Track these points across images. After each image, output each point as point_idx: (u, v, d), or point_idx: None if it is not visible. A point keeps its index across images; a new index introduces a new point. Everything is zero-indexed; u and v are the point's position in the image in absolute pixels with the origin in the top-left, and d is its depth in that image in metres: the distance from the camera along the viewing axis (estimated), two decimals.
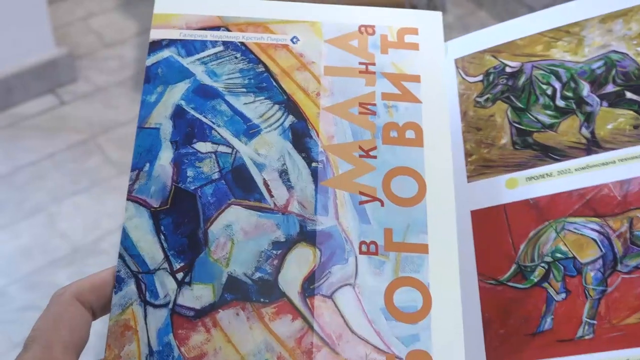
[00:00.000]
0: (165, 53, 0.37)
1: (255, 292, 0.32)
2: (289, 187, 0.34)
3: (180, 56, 0.37)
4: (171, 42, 0.38)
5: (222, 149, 0.35)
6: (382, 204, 0.34)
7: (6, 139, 1.52)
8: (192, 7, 0.38)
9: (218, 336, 0.31)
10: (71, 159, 1.49)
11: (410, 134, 0.36)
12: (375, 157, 0.35)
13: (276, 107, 0.36)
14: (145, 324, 0.31)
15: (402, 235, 0.33)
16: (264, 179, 0.34)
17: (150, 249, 0.33)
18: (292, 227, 0.33)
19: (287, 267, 0.33)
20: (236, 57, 0.37)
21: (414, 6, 1.12)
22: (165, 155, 0.35)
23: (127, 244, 0.33)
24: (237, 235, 0.33)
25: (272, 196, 0.34)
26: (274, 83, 0.37)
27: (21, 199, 1.42)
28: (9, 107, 1.57)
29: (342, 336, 0.31)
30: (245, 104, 0.36)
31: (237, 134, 0.35)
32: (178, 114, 0.36)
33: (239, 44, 0.38)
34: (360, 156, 0.35)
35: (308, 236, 0.33)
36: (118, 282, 0.32)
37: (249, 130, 0.35)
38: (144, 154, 0.35)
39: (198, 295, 0.32)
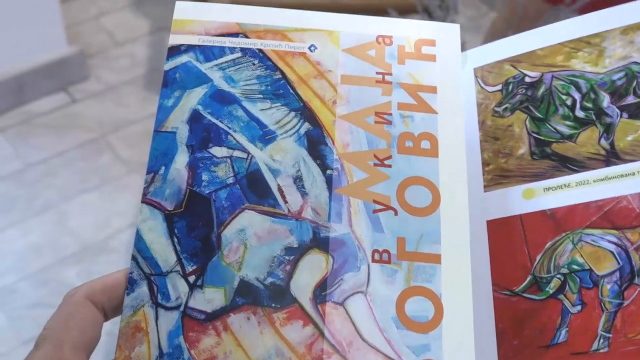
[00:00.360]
0: (184, 58, 0.38)
1: (266, 297, 0.32)
2: (303, 194, 0.34)
3: (199, 62, 0.37)
4: (190, 48, 0.38)
5: (237, 154, 0.35)
6: (396, 213, 0.34)
7: (17, 136, 1.53)
8: (211, 14, 0.39)
9: (228, 340, 0.31)
10: (81, 157, 1.50)
11: (425, 145, 0.36)
12: (390, 166, 0.35)
13: (292, 114, 0.36)
14: (156, 325, 0.32)
15: (415, 245, 0.33)
16: (278, 184, 0.34)
17: (164, 251, 0.33)
18: (305, 233, 0.33)
19: (299, 273, 0.33)
20: (254, 64, 0.37)
21: (425, 7, 1.11)
22: (181, 159, 0.35)
23: (140, 246, 0.33)
24: (250, 240, 0.33)
25: (286, 202, 0.34)
26: (291, 90, 0.37)
27: (32, 196, 1.43)
28: (20, 105, 1.58)
29: (353, 344, 0.31)
30: (262, 110, 0.36)
31: (253, 140, 0.35)
32: (195, 118, 0.36)
33: (257, 51, 0.38)
34: (375, 165, 0.35)
35: (321, 243, 0.33)
36: (130, 284, 0.32)
37: (265, 136, 0.35)
38: (160, 157, 0.35)
39: (209, 298, 0.32)
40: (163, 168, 0.35)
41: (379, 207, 0.34)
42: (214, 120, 0.36)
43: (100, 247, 1.35)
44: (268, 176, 0.35)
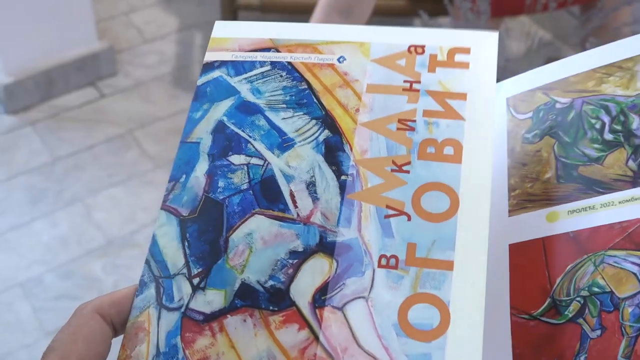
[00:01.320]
0: (216, 73, 0.38)
1: (265, 299, 0.32)
2: (315, 199, 0.34)
3: (229, 76, 0.38)
4: (222, 63, 0.38)
5: (254, 161, 0.35)
6: (409, 219, 0.33)
7: (47, 129, 1.55)
8: (247, 31, 0.39)
9: (222, 341, 0.31)
10: (109, 152, 1.52)
11: (448, 150, 0.34)
12: (408, 172, 0.34)
13: (313, 122, 0.36)
14: (157, 326, 0.32)
15: (426, 251, 0.32)
16: (290, 190, 0.34)
17: (174, 255, 0.33)
18: (311, 237, 0.33)
19: (301, 276, 0.32)
20: (281, 76, 0.38)
21: (457, 8, 1.10)
22: (201, 167, 0.35)
23: (154, 250, 0.34)
24: (256, 243, 0.33)
25: (296, 207, 0.34)
26: (314, 99, 0.37)
27: (60, 189, 1.45)
28: (50, 99, 1.60)
29: (348, 350, 0.30)
30: (284, 118, 0.36)
31: (271, 147, 0.35)
32: (219, 129, 0.36)
33: (286, 64, 0.38)
34: (392, 170, 0.34)
35: (327, 247, 0.32)
36: (140, 286, 0.33)
37: (283, 144, 0.35)
38: (182, 166, 0.35)
39: (210, 300, 0.32)
40: (184, 176, 0.35)
41: (391, 212, 0.33)
42: (236, 130, 0.36)
43: (125, 241, 1.37)
44: (281, 182, 0.34)
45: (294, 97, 0.37)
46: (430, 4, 1.36)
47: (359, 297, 0.31)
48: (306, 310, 0.31)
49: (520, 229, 0.37)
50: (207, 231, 0.33)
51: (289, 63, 0.38)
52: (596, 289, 0.34)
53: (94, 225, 1.39)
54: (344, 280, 0.32)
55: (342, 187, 0.34)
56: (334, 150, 0.35)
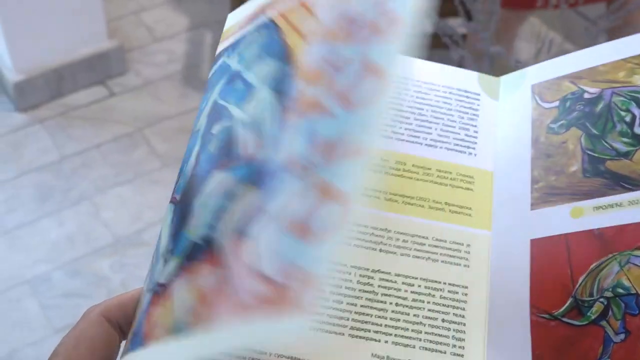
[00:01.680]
0: (221, 60, 0.38)
1: (201, 252, 0.31)
2: (259, 137, 0.32)
3: (229, 57, 0.38)
4: (225, 49, 0.39)
5: (225, 123, 0.35)
6: (333, 117, 0.30)
7: (56, 127, 1.55)
8: (245, 9, 0.39)
9: (168, 305, 0.31)
10: (118, 150, 1.52)
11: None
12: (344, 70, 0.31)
13: (274, 63, 0.35)
14: (139, 309, 0.32)
15: (347, 143, 0.29)
16: (244, 137, 0.33)
17: (164, 240, 0.33)
18: (248, 175, 0.32)
19: (233, 218, 0.31)
20: (260, 34, 0.37)
21: (467, 11, 1.10)
22: (195, 151, 0.35)
23: (157, 243, 0.34)
24: (209, 201, 0.32)
25: (246, 149, 0.33)
26: (281, 42, 0.35)
27: (67, 187, 1.45)
28: (60, 97, 1.60)
29: (240, 275, 0.29)
30: (254, 73, 0.36)
31: (239, 104, 0.35)
32: (213, 109, 0.36)
33: (267, 21, 0.37)
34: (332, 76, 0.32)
35: (257, 179, 0.31)
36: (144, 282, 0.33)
37: (247, 95, 0.35)
38: (186, 158, 0.36)
39: (169, 271, 0.32)
40: (185, 165, 0.35)
41: (317, 116, 0.30)
42: (221, 102, 0.36)
43: (133, 239, 1.36)
44: (239, 132, 0.33)
45: (265, 50, 0.36)
46: (441, 4, 1.35)
47: (267, 218, 0.29)
48: (226, 249, 0.30)
49: (543, 224, 0.35)
50: (185, 207, 0.33)
51: (270, 20, 0.37)
52: (621, 290, 0.32)
53: (102, 223, 1.39)
54: (264, 207, 0.30)
55: (284, 113, 0.32)
56: (283, 79, 0.33)
